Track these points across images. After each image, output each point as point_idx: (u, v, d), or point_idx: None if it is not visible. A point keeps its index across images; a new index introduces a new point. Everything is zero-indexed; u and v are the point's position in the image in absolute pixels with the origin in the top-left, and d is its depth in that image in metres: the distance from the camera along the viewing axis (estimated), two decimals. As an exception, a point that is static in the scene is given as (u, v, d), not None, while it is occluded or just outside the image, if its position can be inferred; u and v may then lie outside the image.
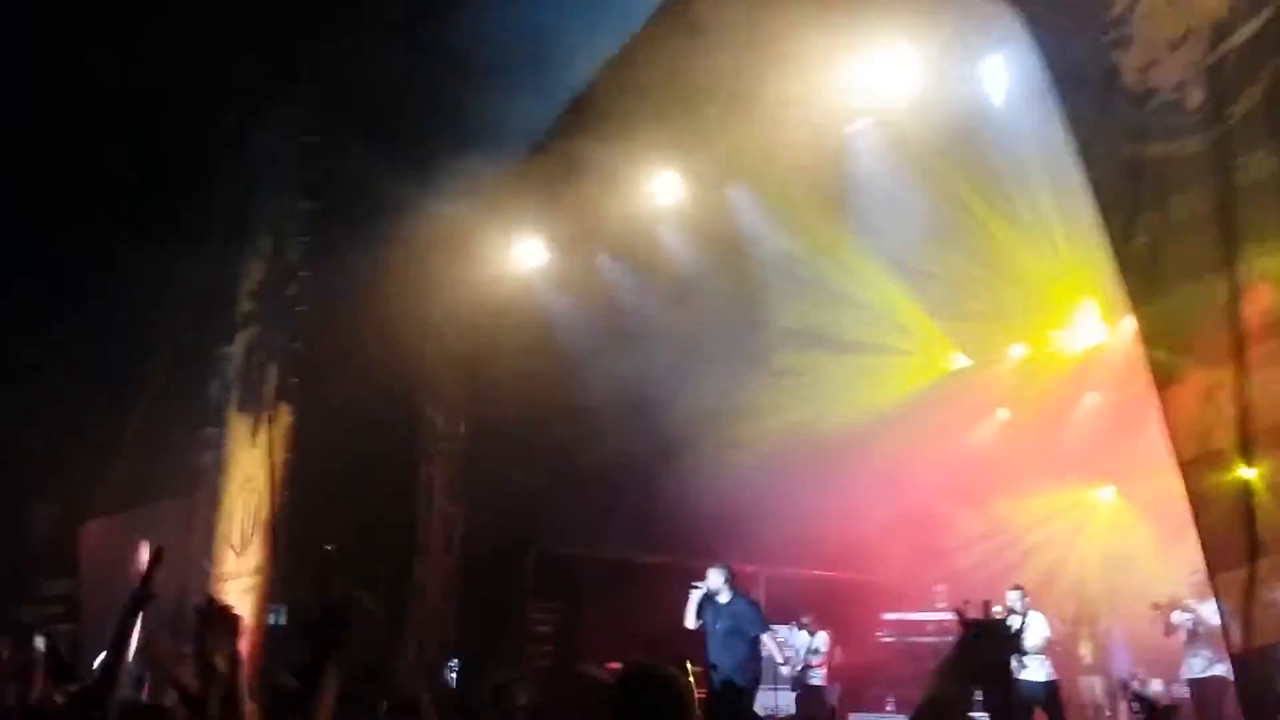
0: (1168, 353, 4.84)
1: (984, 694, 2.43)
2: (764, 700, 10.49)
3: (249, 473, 13.00)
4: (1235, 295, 4.61)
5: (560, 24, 10.41)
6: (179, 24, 11.48)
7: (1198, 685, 9.47)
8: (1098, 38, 5.54)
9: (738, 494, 12.44)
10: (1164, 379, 4.80)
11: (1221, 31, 4.94)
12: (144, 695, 6.59)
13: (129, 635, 3.92)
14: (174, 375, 13.34)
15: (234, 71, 12.26)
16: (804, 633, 12.97)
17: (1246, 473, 4.40)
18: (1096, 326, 12.85)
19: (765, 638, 9.68)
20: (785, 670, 12.40)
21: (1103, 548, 12.91)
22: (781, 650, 11.47)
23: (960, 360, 14.69)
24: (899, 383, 14.29)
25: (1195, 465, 4.59)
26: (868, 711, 13.80)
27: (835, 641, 13.65)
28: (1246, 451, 4.42)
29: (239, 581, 12.41)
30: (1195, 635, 9.35)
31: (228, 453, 13.37)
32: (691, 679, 2.55)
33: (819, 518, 13.01)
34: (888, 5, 9.09)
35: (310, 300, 12.94)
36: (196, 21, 11.50)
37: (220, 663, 2.51)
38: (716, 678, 9.42)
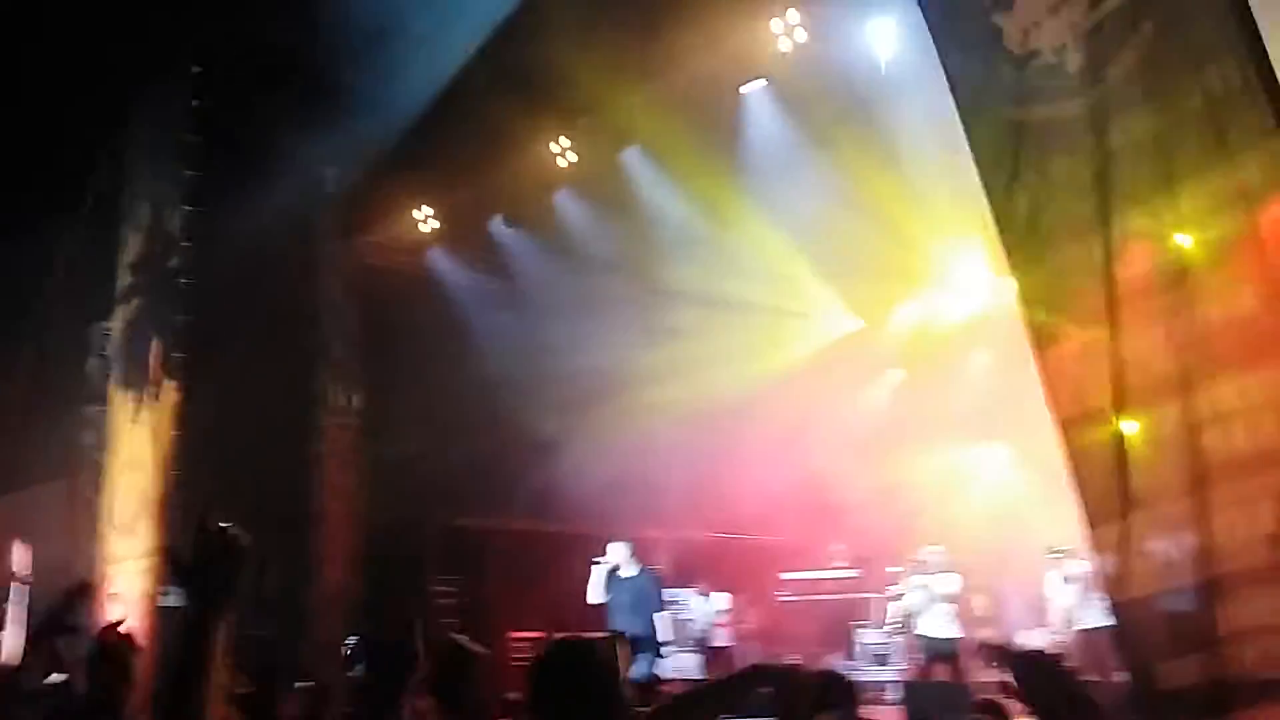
0: (1046, 313, 4.92)
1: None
2: (668, 664, 10.55)
3: (134, 451, 12.58)
4: (1111, 255, 4.69)
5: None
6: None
7: (1089, 636, 9.80)
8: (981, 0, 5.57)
9: (637, 460, 12.45)
10: (1042, 339, 4.88)
11: (1099, -6, 4.99)
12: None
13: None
14: (49, 353, 12.81)
15: (111, 42, 11.76)
16: (701, 597, 13.11)
17: (1122, 429, 4.51)
18: (984, 286, 13.11)
19: (658, 616, 9.76)
20: (691, 633, 12.54)
21: (994, 503, 13.23)
22: (672, 626, 11.59)
23: (853, 321, 14.89)
24: (793, 345, 14.45)
25: (1073, 423, 4.68)
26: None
27: (747, 604, 13.84)
28: (1121, 408, 4.52)
29: (129, 564, 12.03)
30: (1089, 587, 9.66)
31: (110, 431, 12.92)
32: (617, 647, 2.45)
33: (718, 481, 13.11)
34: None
35: (194, 272, 12.52)
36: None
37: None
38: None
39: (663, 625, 9.88)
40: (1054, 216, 5.03)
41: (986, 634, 12.11)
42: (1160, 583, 4.37)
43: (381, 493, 13.09)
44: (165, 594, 11.65)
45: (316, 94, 11.76)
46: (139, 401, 12.75)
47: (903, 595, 11.43)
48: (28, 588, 9.12)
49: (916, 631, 11.07)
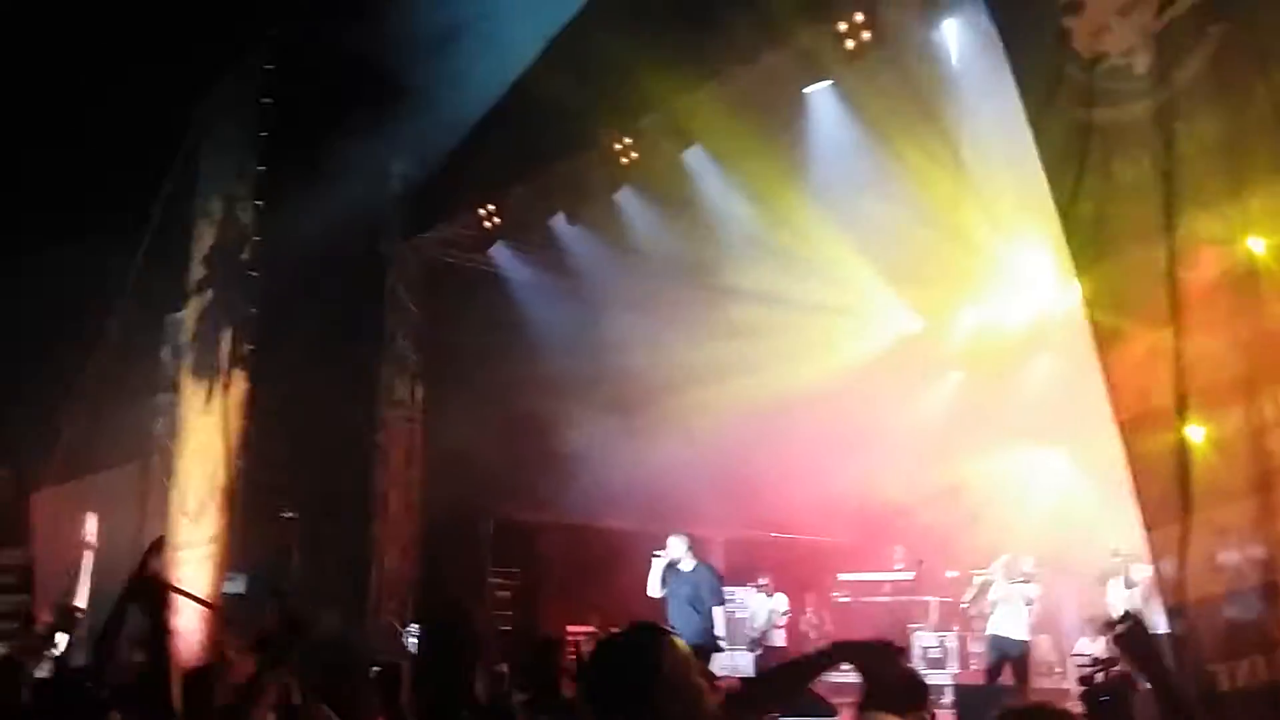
0: (1110, 315, 4.90)
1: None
2: (722, 661, 10.60)
3: (203, 439, 12.86)
4: (1177, 258, 4.67)
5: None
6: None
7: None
8: (1050, 2, 5.56)
9: (695, 458, 12.50)
10: (1106, 341, 4.86)
11: (1168, -4, 4.98)
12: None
13: (121, 621, 3.85)
14: (125, 342, 13.16)
15: (186, 38, 12.09)
16: (761, 594, 13.14)
17: (1184, 431, 4.49)
18: (1048, 289, 12.99)
19: (716, 610, 9.80)
20: (746, 632, 12.57)
21: (1052, 508, 13.11)
22: (729, 622, 11.64)
23: (914, 323, 14.81)
24: (854, 345, 14.39)
25: (1134, 424, 4.66)
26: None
27: (809, 606, 13.84)
28: (1184, 411, 4.50)
29: (195, 550, 12.31)
30: (1149, 592, 9.54)
31: (181, 419, 13.23)
32: (676, 641, 2.33)
33: (775, 481, 13.12)
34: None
35: (264, 266, 12.79)
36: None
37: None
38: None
39: (719, 620, 9.92)
40: (1119, 219, 5.00)
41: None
42: (1219, 586, 4.35)
43: (441, 484, 13.29)
44: (231, 581, 11.94)
45: (384, 92, 11.99)
46: (209, 391, 13.05)
47: (978, 594, 11.33)
48: (93, 553, 9.48)
49: (989, 631, 10.99)
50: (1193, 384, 4.50)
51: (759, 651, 12.76)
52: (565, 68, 10.89)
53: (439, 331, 13.80)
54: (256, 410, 12.25)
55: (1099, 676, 5.44)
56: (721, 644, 10.13)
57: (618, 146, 11.68)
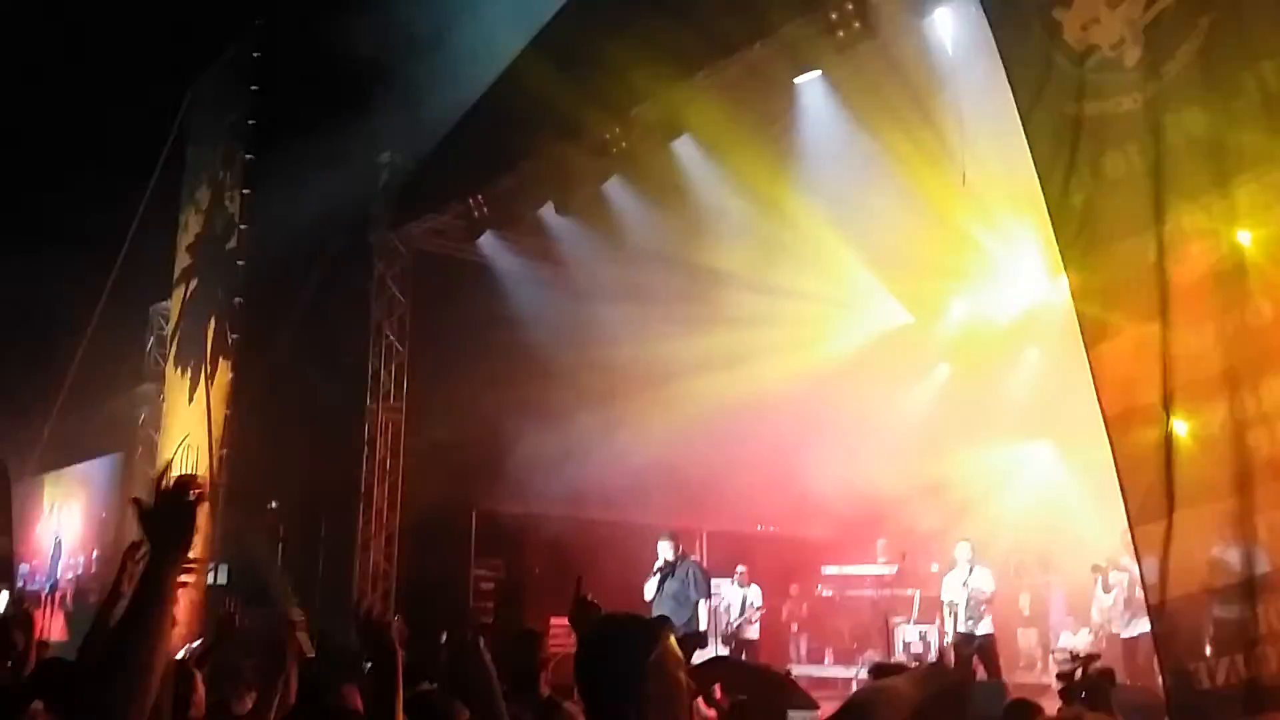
0: (1099, 308, 4.87)
1: None
2: (707, 655, 10.56)
3: (187, 429, 12.82)
4: (1166, 251, 4.65)
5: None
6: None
7: (1133, 642, 9.71)
8: (1041, -7, 5.53)
9: (680, 450, 12.46)
10: (1094, 335, 4.84)
11: (1157, -12, 4.95)
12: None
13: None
14: (108, 332, 13.08)
15: (173, 26, 12.01)
16: (736, 584, 13.06)
17: (1170, 426, 4.47)
18: (1037, 282, 12.97)
19: (701, 604, 9.82)
20: (724, 627, 12.53)
21: (1040, 503, 13.11)
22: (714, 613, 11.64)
23: (903, 315, 14.79)
24: (842, 337, 14.37)
25: (1121, 419, 4.64)
26: (810, 664, 14.02)
27: (786, 597, 13.80)
28: (1171, 405, 4.48)
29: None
30: (1133, 594, 9.57)
31: (165, 409, 13.17)
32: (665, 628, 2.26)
33: (761, 473, 13.09)
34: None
35: (251, 255, 12.72)
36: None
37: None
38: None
39: (704, 614, 9.93)
40: (1108, 212, 4.98)
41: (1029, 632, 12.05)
42: (1200, 583, 4.34)
43: (426, 476, 13.23)
44: (213, 571, 11.88)
45: (372, 82, 11.92)
46: (193, 380, 12.99)
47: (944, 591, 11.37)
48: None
49: (958, 629, 11.01)
50: (1178, 379, 4.48)
51: (732, 646, 12.66)
52: (554, 58, 10.82)
53: (427, 322, 13.73)
54: (240, 400, 12.20)
55: (1078, 674, 5.43)
56: (707, 637, 10.14)
57: (606, 137, 11.62)
